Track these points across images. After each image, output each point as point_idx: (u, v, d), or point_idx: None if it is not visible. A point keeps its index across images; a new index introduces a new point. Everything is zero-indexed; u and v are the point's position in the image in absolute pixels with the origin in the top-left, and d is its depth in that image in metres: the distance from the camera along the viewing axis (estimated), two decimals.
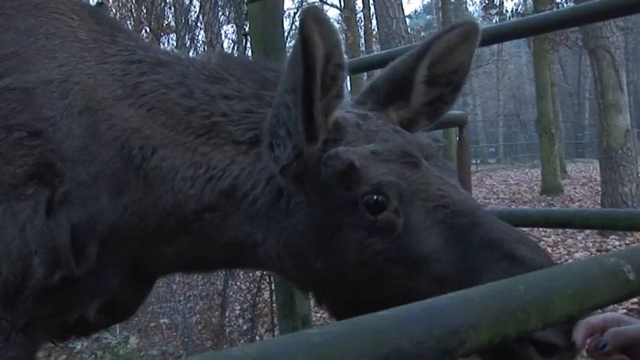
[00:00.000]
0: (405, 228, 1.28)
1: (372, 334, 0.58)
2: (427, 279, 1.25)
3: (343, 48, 1.29)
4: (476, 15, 44.87)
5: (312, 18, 1.19)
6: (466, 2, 42.34)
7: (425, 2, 53.33)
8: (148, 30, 6.66)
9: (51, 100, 1.48)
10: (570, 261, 8.13)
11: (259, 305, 4.52)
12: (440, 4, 33.56)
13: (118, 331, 5.08)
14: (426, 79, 1.50)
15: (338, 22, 22.61)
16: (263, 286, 4.27)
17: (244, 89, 1.55)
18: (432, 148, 1.44)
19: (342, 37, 1.50)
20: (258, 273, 4.15)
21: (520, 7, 29.68)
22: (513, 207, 13.64)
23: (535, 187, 19.00)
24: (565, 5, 22.44)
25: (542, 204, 15.19)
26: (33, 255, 1.45)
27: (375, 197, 1.29)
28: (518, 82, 51.24)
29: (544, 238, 9.07)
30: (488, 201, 16.67)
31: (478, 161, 38.20)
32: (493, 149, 47.22)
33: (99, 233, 1.52)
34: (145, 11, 7.04)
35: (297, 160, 1.37)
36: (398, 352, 0.58)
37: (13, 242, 1.43)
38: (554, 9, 20.70)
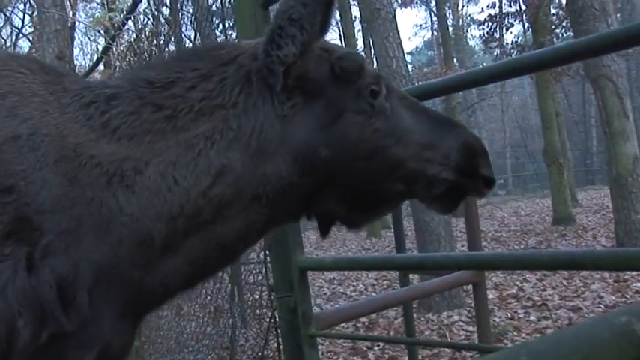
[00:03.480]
0: (391, 110, 1.64)
1: None
2: (410, 146, 1.62)
3: None
4: (477, 49, 45.29)
5: None
6: (466, 37, 42.77)
7: (426, 39, 53.83)
8: None
9: (21, 155, 1.44)
10: (587, 293, 7.99)
11: (268, 356, 4.43)
12: (441, 40, 33.87)
13: None
14: None
15: None
16: (271, 338, 4.19)
17: (201, 71, 1.62)
18: None
19: None
20: (265, 324, 4.07)
21: (520, 39, 29.92)
22: (520, 250, 13.49)
23: (547, 217, 18.84)
24: (564, 35, 22.61)
25: (555, 234, 15.03)
26: (17, 317, 1.38)
27: (374, 86, 1.62)
28: (523, 112, 51.32)
29: (559, 270, 8.92)
30: (499, 234, 16.52)
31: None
32: (502, 181, 46.97)
33: (88, 279, 1.46)
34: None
35: (303, 56, 1.55)
36: None
37: None
38: (555, 40, 20.89)
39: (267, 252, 3.14)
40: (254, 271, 4.99)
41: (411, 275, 5.13)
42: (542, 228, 16.88)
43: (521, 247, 13.91)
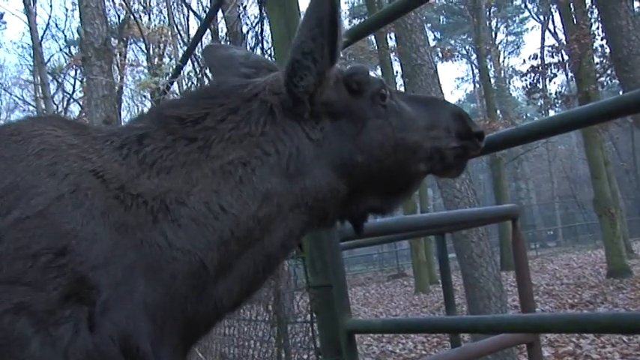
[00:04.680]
0: (398, 107, 1.84)
1: None
2: (420, 130, 1.85)
3: None
4: (520, 99, 45.10)
5: None
6: (509, 88, 42.66)
7: (468, 91, 53.95)
8: None
9: (67, 214, 1.45)
10: None
11: None
12: (483, 92, 33.85)
13: None
14: None
15: None
16: None
17: (228, 105, 1.73)
18: None
19: None
20: None
21: (564, 88, 29.69)
22: (575, 312, 13.06)
23: (600, 269, 18.27)
24: (609, 83, 22.33)
25: (611, 287, 14.53)
26: None
27: (382, 90, 1.80)
28: (571, 162, 50.51)
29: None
30: (552, 287, 16.06)
31: (537, 245, 37.26)
32: (552, 232, 46.07)
33: (147, 324, 1.46)
34: None
35: (321, 84, 1.70)
36: None
37: None
38: (600, 88, 20.66)
39: (315, 315, 3.07)
40: (300, 332, 4.91)
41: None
42: (596, 281, 16.35)
43: (575, 301, 13.47)
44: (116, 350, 1.41)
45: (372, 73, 1.87)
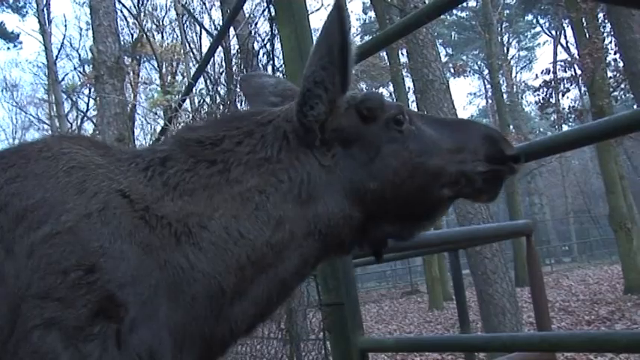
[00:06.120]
0: (418, 131, 1.79)
1: None
2: (443, 154, 1.78)
3: None
4: (532, 114, 45.01)
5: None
6: (521, 103, 42.57)
7: (480, 107, 53.85)
8: None
9: (95, 232, 1.49)
10: None
11: None
12: (496, 108, 33.79)
13: None
14: None
15: None
16: None
17: (244, 129, 1.77)
18: None
19: None
20: None
21: (577, 102, 29.57)
22: (593, 330, 12.88)
23: (617, 285, 18.07)
24: (623, 97, 22.20)
25: (629, 304, 14.35)
26: None
27: (398, 116, 1.76)
28: (585, 177, 50.18)
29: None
30: (567, 304, 15.88)
31: (552, 261, 36.94)
32: (567, 247, 45.68)
33: (169, 343, 1.50)
34: None
35: (333, 112, 1.72)
36: None
37: None
38: (613, 102, 20.55)
39: (328, 333, 3.04)
40: (313, 350, 4.87)
41: None
42: (613, 297, 16.16)
43: (592, 317, 13.30)
44: None
45: (387, 100, 1.85)
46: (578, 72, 21.53)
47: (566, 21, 26.20)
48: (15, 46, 37.75)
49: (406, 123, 1.78)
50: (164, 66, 30.31)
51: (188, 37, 29.19)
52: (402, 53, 23.33)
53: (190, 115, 7.49)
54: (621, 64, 16.12)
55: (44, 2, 30.78)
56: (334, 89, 1.70)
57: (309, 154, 1.73)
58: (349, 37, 1.67)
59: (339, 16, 1.64)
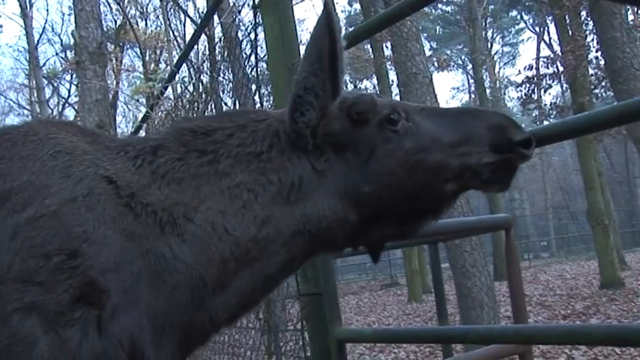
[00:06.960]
0: (415, 127, 1.73)
1: None
2: (444, 148, 1.71)
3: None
4: (515, 110, 45.31)
5: (330, 4, 1.62)
6: (504, 99, 42.78)
7: (463, 101, 54.02)
8: None
9: (79, 216, 1.48)
10: None
11: None
12: (478, 102, 33.93)
13: None
14: None
15: None
16: None
17: (237, 122, 1.78)
18: None
19: None
20: None
21: (559, 99, 29.78)
22: (568, 323, 13.05)
23: (593, 280, 18.29)
24: (603, 95, 22.41)
25: (604, 299, 14.53)
26: None
27: (393, 115, 1.72)
28: (564, 173, 50.66)
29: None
30: (544, 298, 16.05)
31: (531, 256, 37.29)
32: (545, 243, 46.12)
33: (150, 331, 1.50)
34: None
35: (324, 118, 1.70)
36: None
37: None
38: (594, 100, 20.73)
39: (305, 323, 3.04)
40: (291, 340, 4.88)
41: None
42: (589, 292, 16.35)
43: (568, 312, 13.46)
44: (123, 354, 1.43)
45: (380, 100, 1.80)
46: (561, 69, 21.69)
47: (550, 18, 26.32)
48: None
49: (401, 121, 1.74)
50: (147, 53, 30.08)
51: (172, 24, 28.99)
52: (386, 46, 23.36)
53: (173, 103, 7.44)
54: (602, 62, 16.24)
55: None
56: (325, 95, 1.70)
57: (302, 157, 1.72)
58: (339, 43, 1.67)
59: (328, 22, 1.64)
